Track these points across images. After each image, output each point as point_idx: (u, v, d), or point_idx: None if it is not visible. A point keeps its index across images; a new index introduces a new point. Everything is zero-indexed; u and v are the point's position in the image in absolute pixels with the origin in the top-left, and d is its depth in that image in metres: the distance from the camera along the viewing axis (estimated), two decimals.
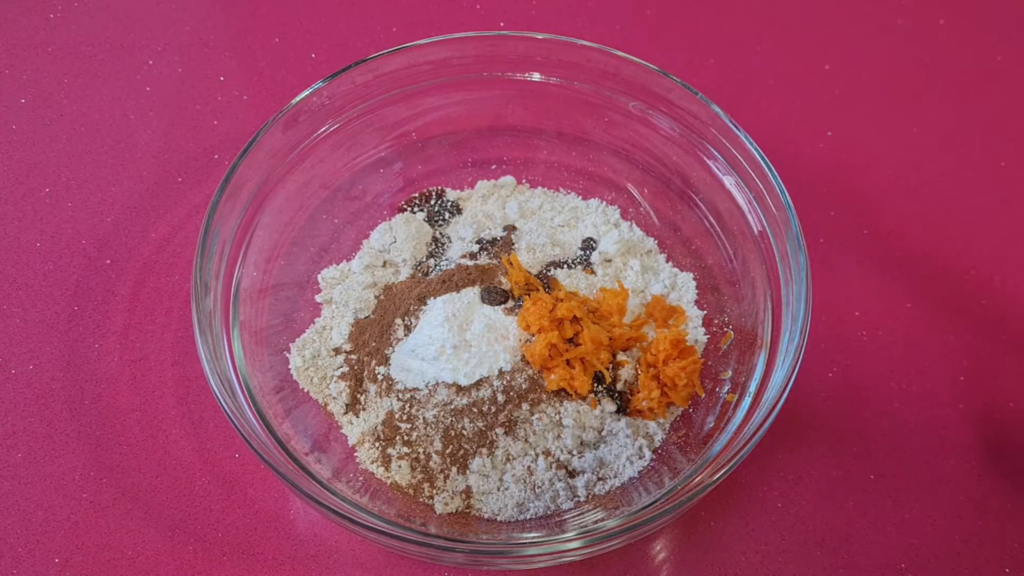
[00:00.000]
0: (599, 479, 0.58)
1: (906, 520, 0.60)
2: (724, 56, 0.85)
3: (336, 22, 0.86)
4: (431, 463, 0.57)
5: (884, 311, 0.69)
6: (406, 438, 0.58)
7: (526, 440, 0.57)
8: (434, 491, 0.57)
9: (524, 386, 0.57)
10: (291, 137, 0.63)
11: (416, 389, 0.58)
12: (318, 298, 0.66)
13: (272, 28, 0.85)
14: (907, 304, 0.70)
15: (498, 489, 0.56)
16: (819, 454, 0.63)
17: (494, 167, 0.74)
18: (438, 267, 0.66)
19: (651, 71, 0.64)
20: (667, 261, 0.69)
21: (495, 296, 0.61)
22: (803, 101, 0.82)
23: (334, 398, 0.61)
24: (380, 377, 0.59)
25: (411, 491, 0.57)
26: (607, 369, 0.59)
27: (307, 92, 0.63)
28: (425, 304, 0.62)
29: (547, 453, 0.57)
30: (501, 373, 0.57)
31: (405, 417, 0.58)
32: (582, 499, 0.57)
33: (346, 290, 0.65)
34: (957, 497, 0.61)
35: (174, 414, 0.63)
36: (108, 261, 0.70)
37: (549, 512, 0.57)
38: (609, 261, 0.67)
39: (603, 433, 0.58)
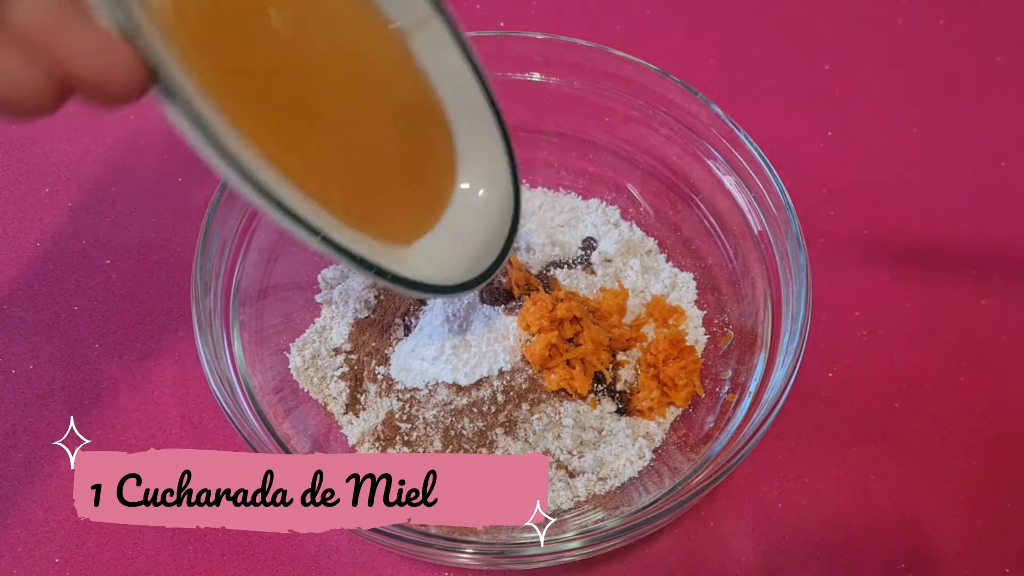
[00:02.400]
0: (599, 479, 0.58)
1: (906, 520, 0.60)
2: (724, 56, 0.85)
3: None
4: None
5: (884, 311, 0.69)
6: (406, 438, 0.58)
7: (526, 440, 0.57)
8: None
9: (524, 386, 0.57)
10: None
11: (416, 389, 0.58)
12: (318, 298, 0.66)
13: None
14: (907, 304, 0.70)
15: None
16: (819, 454, 0.63)
17: None
18: None
19: (651, 71, 0.64)
20: (667, 261, 0.69)
21: (495, 296, 0.61)
22: (803, 101, 0.82)
23: (334, 398, 0.61)
24: (380, 377, 0.59)
25: None
26: (607, 369, 0.59)
27: None
28: (425, 304, 0.62)
29: (547, 453, 0.57)
30: (501, 373, 0.57)
31: (405, 417, 0.58)
32: (582, 499, 0.57)
33: (346, 290, 0.65)
34: (957, 497, 0.61)
35: (174, 414, 0.63)
36: (108, 261, 0.70)
37: (549, 512, 0.57)
38: (609, 261, 0.67)
39: (603, 433, 0.58)
